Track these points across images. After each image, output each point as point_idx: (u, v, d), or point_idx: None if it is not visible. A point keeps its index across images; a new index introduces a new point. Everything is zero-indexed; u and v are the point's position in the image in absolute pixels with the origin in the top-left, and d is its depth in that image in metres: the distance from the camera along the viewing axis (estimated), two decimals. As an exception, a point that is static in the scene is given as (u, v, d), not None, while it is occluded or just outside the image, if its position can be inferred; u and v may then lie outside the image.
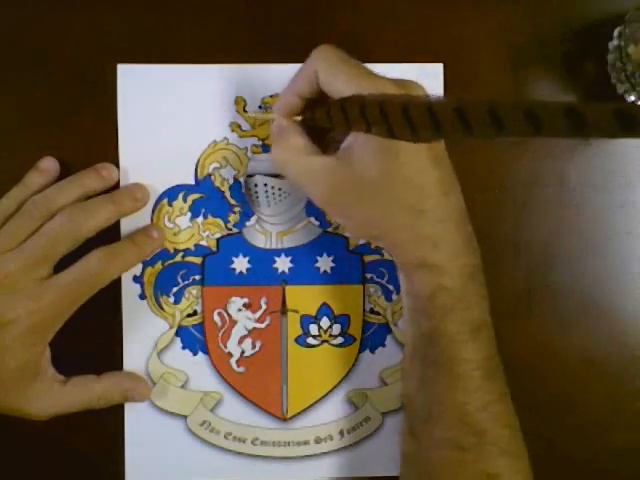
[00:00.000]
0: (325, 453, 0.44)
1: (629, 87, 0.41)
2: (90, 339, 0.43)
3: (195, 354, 0.44)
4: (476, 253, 0.37)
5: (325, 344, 0.44)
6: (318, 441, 0.44)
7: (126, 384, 0.42)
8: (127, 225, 0.43)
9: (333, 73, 0.36)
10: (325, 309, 0.44)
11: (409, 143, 0.31)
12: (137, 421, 0.44)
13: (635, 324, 0.45)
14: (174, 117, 0.43)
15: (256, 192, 0.44)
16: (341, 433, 0.44)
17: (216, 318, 0.44)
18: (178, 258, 0.44)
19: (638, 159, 0.45)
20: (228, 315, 0.44)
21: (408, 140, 0.30)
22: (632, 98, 0.42)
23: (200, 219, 0.44)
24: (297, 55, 0.43)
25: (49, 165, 0.42)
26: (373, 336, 0.44)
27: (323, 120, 0.36)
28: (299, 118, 0.38)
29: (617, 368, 0.45)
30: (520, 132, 0.24)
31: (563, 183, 0.44)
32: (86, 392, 0.41)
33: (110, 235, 0.42)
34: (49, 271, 0.40)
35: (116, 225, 0.43)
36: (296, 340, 0.44)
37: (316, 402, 0.44)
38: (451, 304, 0.36)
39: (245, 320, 0.44)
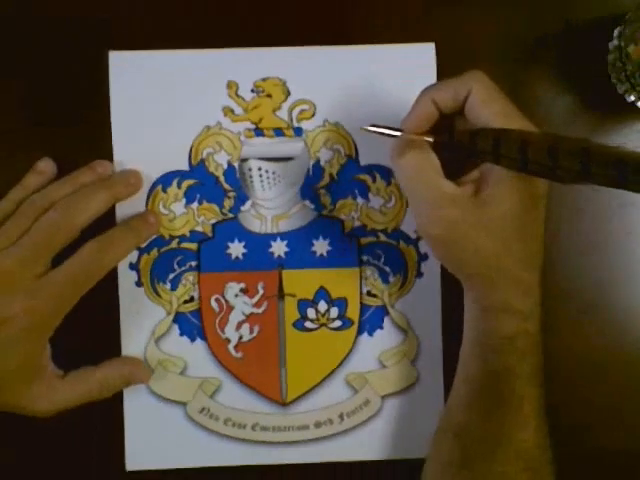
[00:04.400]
0: (325, 437, 0.44)
1: (629, 87, 0.41)
2: (87, 327, 0.43)
3: (193, 340, 0.44)
4: None
5: (323, 328, 0.44)
6: (318, 425, 0.44)
7: (125, 368, 0.42)
8: (122, 213, 0.43)
9: (488, 100, 0.35)
10: (322, 293, 0.44)
11: (545, 191, 0.35)
12: (136, 409, 0.44)
13: (635, 324, 0.45)
14: (166, 103, 0.43)
15: (250, 176, 0.44)
16: (341, 417, 0.44)
17: (213, 304, 0.44)
18: (174, 244, 0.44)
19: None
20: (225, 301, 0.44)
21: (565, 182, 0.32)
22: (632, 98, 0.42)
23: (195, 205, 0.44)
24: (288, 38, 0.44)
25: (47, 167, 0.42)
26: (371, 319, 0.44)
27: (462, 145, 0.36)
28: (430, 139, 0.37)
29: (617, 368, 0.45)
30: None
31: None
32: (86, 384, 0.41)
33: (106, 225, 0.42)
34: (46, 266, 0.39)
35: (112, 215, 0.43)
36: (294, 324, 0.44)
37: (315, 386, 0.44)
38: (529, 348, 0.37)
39: (242, 305, 0.44)
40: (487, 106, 0.35)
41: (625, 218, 0.45)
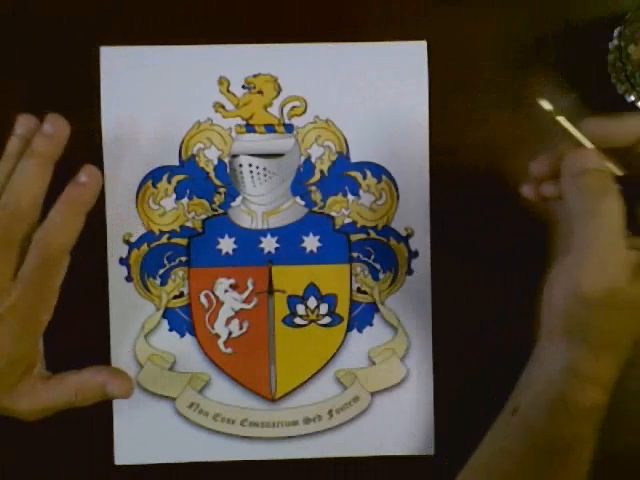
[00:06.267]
0: (314, 433, 0.44)
1: (629, 87, 0.41)
2: (76, 322, 0.43)
3: (182, 336, 0.44)
4: None
5: (312, 324, 0.44)
6: (307, 421, 0.44)
7: (99, 378, 0.39)
8: (112, 209, 0.43)
9: None
10: (312, 289, 0.44)
11: None
12: (125, 403, 0.44)
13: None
14: (157, 98, 0.43)
15: (241, 172, 0.44)
16: (330, 413, 0.44)
17: (203, 299, 0.44)
18: (164, 240, 0.44)
19: (638, 160, 0.44)
20: (215, 296, 0.44)
21: None
22: (632, 98, 0.42)
23: (185, 200, 0.44)
24: (280, 35, 0.44)
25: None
26: (360, 315, 0.44)
27: None
28: (620, 173, 0.33)
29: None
30: None
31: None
32: (64, 388, 0.39)
33: (94, 221, 0.41)
34: (17, 259, 0.37)
35: (101, 210, 0.43)
36: (283, 320, 0.44)
37: (304, 382, 0.44)
38: (600, 420, 0.36)
39: (232, 301, 0.44)
40: None
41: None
